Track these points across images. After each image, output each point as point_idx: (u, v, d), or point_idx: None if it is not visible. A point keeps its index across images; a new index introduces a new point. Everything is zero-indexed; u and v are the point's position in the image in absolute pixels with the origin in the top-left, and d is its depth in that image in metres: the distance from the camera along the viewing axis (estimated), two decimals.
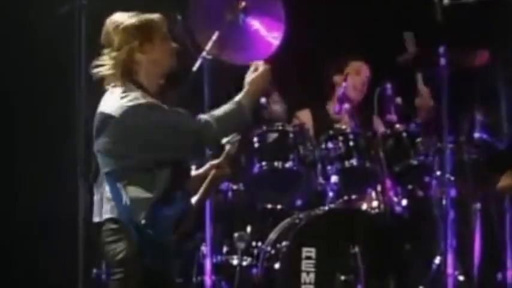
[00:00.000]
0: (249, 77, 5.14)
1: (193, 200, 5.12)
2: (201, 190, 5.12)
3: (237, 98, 5.04)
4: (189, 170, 5.18)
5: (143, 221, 4.83)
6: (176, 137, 4.94)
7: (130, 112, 4.86)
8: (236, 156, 5.37)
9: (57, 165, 7.26)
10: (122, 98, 4.91)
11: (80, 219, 6.45)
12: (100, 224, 4.96)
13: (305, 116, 7.52)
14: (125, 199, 4.86)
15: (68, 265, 6.71)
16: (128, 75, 5.02)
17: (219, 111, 5.01)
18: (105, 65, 5.01)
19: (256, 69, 5.17)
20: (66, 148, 6.61)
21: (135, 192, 4.81)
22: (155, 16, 5.04)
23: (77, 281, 6.49)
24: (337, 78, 7.47)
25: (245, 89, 5.08)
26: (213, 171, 5.17)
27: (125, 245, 4.88)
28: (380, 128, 7.27)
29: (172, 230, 4.91)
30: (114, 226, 4.89)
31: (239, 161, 6.92)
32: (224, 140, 5.22)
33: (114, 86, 4.97)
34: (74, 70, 6.37)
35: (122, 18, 5.05)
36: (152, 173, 4.87)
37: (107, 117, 4.91)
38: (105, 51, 5.05)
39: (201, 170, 5.23)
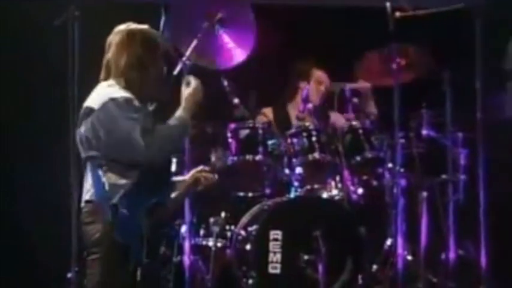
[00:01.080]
0: (184, 92, 5.10)
1: (173, 194, 5.13)
2: (182, 188, 5.17)
3: (178, 114, 4.98)
4: (168, 167, 5.13)
5: (117, 203, 4.82)
6: (117, 141, 4.86)
7: (105, 105, 4.85)
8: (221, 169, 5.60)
9: (52, 155, 7.07)
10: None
11: (72, 204, 6.23)
12: (81, 207, 4.98)
13: (268, 113, 7.53)
14: (104, 183, 4.83)
15: (61, 247, 6.44)
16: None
17: (165, 131, 4.94)
18: None
19: (188, 84, 5.12)
20: (60, 141, 6.41)
21: (113, 178, 4.79)
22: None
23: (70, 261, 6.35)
24: (302, 84, 7.52)
25: (182, 105, 5.03)
26: (195, 174, 5.22)
27: (101, 226, 4.86)
28: (339, 120, 7.31)
29: (145, 215, 4.88)
30: (91, 208, 4.88)
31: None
32: (212, 156, 5.45)
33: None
34: (68, 75, 6.29)
35: None
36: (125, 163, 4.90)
37: (88, 108, 4.91)
38: None
39: (189, 175, 5.28)
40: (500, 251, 6.90)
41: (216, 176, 5.44)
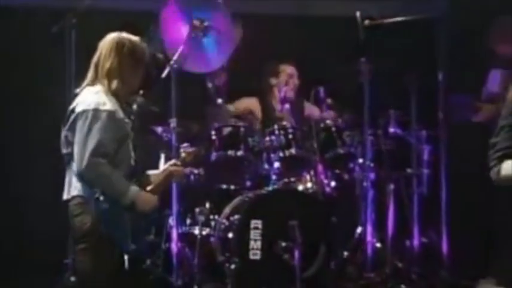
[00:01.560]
0: (155, 180, 5.03)
1: (149, 187, 5.11)
2: (156, 182, 5.12)
3: (133, 191, 4.85)
4: (140, 168, 5.12)
5: (101, 197, 4.84)
6: (77, 146, 4.85)
7: (87, 112, 4.87)
8: (190, 162, 5.34)
9: (50, 148, 6.89)
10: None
11: None
12: (68, 200, 4.96)
13: (253, 103, 7.52)
14: None
15: (59, 236, 6.54)
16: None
17: (111, 178, 4.83)
18: None
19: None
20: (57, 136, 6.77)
21: None
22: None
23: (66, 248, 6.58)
24: (273, 80, 7.49)
25: (142, 193, 4.91)
26: (167, 172, 5.18)
27: (88, 218, 4.87)
28: (314, 112, 7.32)
29: (125, 208, 4.90)
30: (79, 201, 4.88)
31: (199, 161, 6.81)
32: (181, 150, 5.24)
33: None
34: (65, 77, 6.39)
35: None
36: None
37: (73, 111, 4.94)
38: None
39: (160, 170, 5.24)
40: (460, 239, 7.04)
41: (187, 169, 5.54)
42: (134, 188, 4.90)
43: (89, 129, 4.86)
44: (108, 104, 4.91)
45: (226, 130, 6.99)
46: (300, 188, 6.97)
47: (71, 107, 5.01)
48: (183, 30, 6.74)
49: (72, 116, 4.95)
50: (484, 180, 6.37)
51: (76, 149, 4.89)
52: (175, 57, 6.56)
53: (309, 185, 6.98)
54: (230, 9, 7.01)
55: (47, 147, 6.86)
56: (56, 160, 5.85)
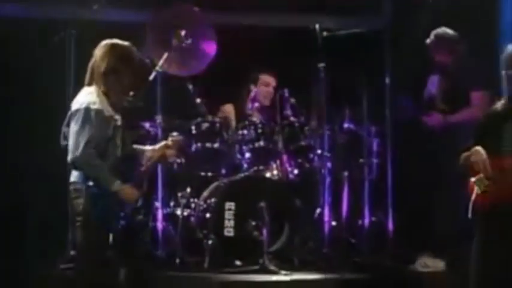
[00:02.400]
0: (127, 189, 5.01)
1: (144, 161, 5.19)
2: (151, 162, 5.20)
3: (116, 185, 4.90)
4: (132, 158, 5.16)
5: (90, 183, 4.95)
6: (73, 140, 4.93)
7: (80, 110, 4.94)
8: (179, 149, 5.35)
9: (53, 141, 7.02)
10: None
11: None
12: (69, 184, 5.07)
13: (229, 108, 7.50)
14: None
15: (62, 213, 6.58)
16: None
17: (99, 168, 4.90)
18: None
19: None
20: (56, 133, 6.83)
21: None
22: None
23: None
24: (252, 87, 7.52)
25: (124, 187, 4.94)
26: (162, 150, 5.23)
27: (81, 201, 4.97)
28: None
29: (113, 194, 4.96)
30: (75, 187, 4.99)
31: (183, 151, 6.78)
32: (170, 138, 5.26)
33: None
34: (65, 83, 6.47)
35: None
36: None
37: (71, 110, 5.03)
38: None
39: (156, 146, 5.28)
40: (403, 218, 7.17)
41: (175, 153, 5.35)
42: (118, 183, 4.96)
43: (82, 125, 4.93)
44: (98, 103, 4.96)
45: (205, 125, 7.03)
46: (268, 175, 7.03)
47: (71, 107, 5.07)
48: (168, 39, 6.84)
49: (68, 114, 5.04)
50: (423, 168, 6.81)
51: (70, 142, 4.97)
52: (160, 63, 6.67)
53: (275, 172, 7.06)
54: (208, 21, 7.03)
55: (51, 141, 6.97)
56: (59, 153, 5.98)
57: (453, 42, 6.80)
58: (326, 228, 6.97)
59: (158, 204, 6.81)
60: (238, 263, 6.60)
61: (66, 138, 5.07)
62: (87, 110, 4.94)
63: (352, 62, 7.34)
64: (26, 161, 7.28)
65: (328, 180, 7.08)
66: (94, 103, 4.97)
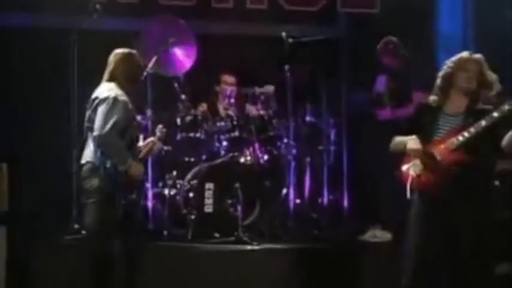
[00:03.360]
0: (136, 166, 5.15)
1: (140, 155, 5.32)
2: (141, 155, 5.33)
3: (127, 161, 5.05)
4: (135, 141, 5.31)
5: (108, 165, 5.10)
6: (101, 121, 5.05)
7: (107, 98, 5.11)
8: (162, 138, 5.47)
9: (60, 129, 6.90)
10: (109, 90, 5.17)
11: (73, 160, 6.49)
12: (81, 165, 5.19)
13: (204, 106, 7.45)
14: (99, 152, 5.12)
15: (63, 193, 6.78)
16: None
17: (119, 146, 5.05)
18: None
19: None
20: (65, 123, 6.70)
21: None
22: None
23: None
24: (217, 87, 7.52)
25: (135, 163, 5.11)
26: (150, 145, 5.39)
27: (95, 180, 5.09)
28: (252, 111, 7.29)
29: (123, 174, 5.10)
30: (90, 167, 5.12)
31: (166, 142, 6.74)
32: (157, 130, 5.41)
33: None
34: (69, 83, 6.49)
35: None
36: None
37: (96, 97, 5.18)
38: None
39: (145, 143, 5.41)
40: (357, 197, 7.24)
41: (161, 144, 5.54)
42: (131, 160, 5.12)
43: (110, 110, 5.08)
44: (123, 96, 5.19)
45: (188, 118, 7.07)
46: (242, 160, 7.01)
47: (94, 96, 5.21)
48: (156, 45, 6.87)
49: (96, 101, 5.16)
50: (372, 154, 6.81)
51: (98, 121, 5.08)
52: (150, 65, 6.70)
53: (248, 158, 7.04)
54: (191, 31, 7.06)
55: (57, 132, 6.98)
56: (63, 137, 6.10)
57: (398, 48, 6.88)
58: (291, 205, 7.00)
59: (148, 185, 6.81)
60: (216, 235, 6.65)
61: (90, 121, 5.19)
62: (115, 99, 5.13)
63: (313, 65, 7.39)
64: (34, 151, 7.24)
65: (293, 164, 7.09)
66: (121, 95, 5.17)
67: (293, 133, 7.15)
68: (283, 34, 7.04)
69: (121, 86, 5.28)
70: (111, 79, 5.32)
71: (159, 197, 6.95)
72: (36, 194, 6.97)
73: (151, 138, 5.49)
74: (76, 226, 6.54)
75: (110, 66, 5.34)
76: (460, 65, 4.95)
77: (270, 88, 7.33)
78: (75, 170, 6.50)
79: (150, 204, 6.83)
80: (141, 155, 5.35)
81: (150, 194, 6.86)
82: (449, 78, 4.95)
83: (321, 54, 7.39)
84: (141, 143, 5.44)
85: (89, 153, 5.19)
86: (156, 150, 5.63)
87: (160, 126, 5.52)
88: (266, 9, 7.85)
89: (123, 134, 5.17)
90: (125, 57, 5.33)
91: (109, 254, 5.14)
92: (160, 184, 7.09)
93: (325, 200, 7.31)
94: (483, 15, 7.56)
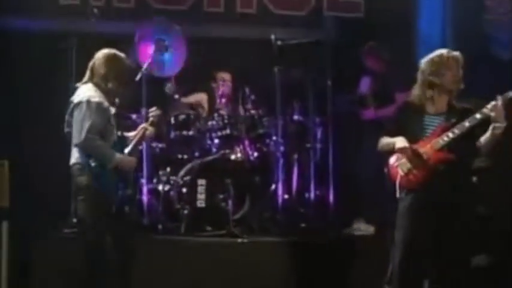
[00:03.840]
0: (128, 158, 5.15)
1: (127, 150, 5.24)
2: (133, 143, 5.28)
3: (113, 157, 5.03)
4: (124, 139, 5.28)
5: (93, 164, 5.10)
6: (78, 127, 5.04)
7: (82, 103, 5.07)
8: (158, 123, 5.43)
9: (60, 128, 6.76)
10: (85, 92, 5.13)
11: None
12: (71, 166, 5.18)
13: (202, 97, 7.44)
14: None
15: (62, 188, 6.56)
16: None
17: (101, 148, 5.02)
18: None
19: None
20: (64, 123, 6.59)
21: None
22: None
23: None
24: (213, 84, 7.51)
25: (123, 157, 5.11)
26: (142, 131, 5.32)
27: (83, 178, 5.10)
28: (241, 110, 7.31)
29: (113, 171, 5.10)
30: (78, 167, 5.13)
31: (161, 129, 6.78)
32: (150, 113, 5.33)
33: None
34: (68, 85, 6.30)
35: None
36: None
37: (72, 102, 5.17)
38: None
39: (135, 132, 5.35)
40: (342, 192, 7.21)
41: (153, 129, 5.38)
42: (118, 155, 5.12)
43: (84, 114, 5.05)
44: (97, 97, 5.10)
45: (181, 116, 7.08)
46: (233, 157, 7.02)
47: (71, 99, 5.21)
48: (151, 47, 6.88)
49: (71, 106, 5.16)
50: (356, 151, 6.87)
51: (75, 128, 5.08)
52: (145, 66, 6.70)
53: (239, 155, 7.06)
54: (184, 33, 7.05)
55: (56, 132, 6.68)
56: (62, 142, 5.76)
57: (381, 52, 6.93)
58: (279, 200, 7.00)
59: (143, 181, 6.81)
60: (208, 228, 6.67)
61: (69, 125, 5.20)
62: (88, 102, 5.08)
63: (301, 66, 7.39)
64: (34, 149, 7.22)
65: (281, 161, 7.11)
66: (94, 97, 5.11)
67: (281, 131, 7.16)
68: (272, 37, 7.05)
69: (98, 86, 5.21)
70: (89, 80, 5.27)
71: (153, 192, 6.94)
72: (36, 190, 6.95)
73: (142, 125, 5.44)
74: (74, 220, 6.47)
75: (90, 67, 5.29)
76: (443, 63, 4.92)
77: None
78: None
79: (145, 199, 6.82)
80: (133, 143, 5.30)
81: (145, 189, 6.84)
82: (432, 78, 4.93)
83: (308, 56, 7.40)
84: (131, 133, 5.41)
85: (75, 154, 5.19)
86: (149, 136, 5.53)
87: (153, 108, 5.47)
88: (255, 13, 7.89)
89: (102, 134, 5.14)
90: (107, 58, 5.26)
91: (102, 246, 5.15)
92: (154, 180, 7.07)
93: (312, 195, 7.32)
94: (461, 18, 7.59)
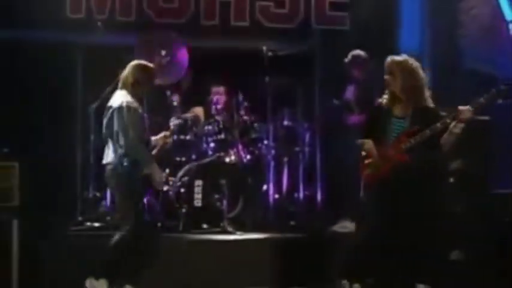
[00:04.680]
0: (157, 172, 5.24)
1: (154, 151, 5.43)
2: (157, 150, 5.45)
3: (152, 164, 5.14)
4: (150, 142, 5.41)
5: (125, 164, 5.22)
6: (124, 134, 5.11)
7: (121, 107, 5.17)
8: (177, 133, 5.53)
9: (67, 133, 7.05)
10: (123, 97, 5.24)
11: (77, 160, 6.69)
12: (104, 165, 5.32)
13: (199, 110, 7.45)
14: (118, 153, 5.23)
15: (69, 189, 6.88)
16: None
17: (144, 152, 5.11)
18: None
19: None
20: (70, 128, 6.84)
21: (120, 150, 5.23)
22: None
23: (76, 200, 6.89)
24: (208, 97, 7.48)
25: (154, 165, 5.19)
26: (164, 140, 5.52)
27: (117, 176, 5.24)
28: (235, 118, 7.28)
29: (140, 170, 5.23)
30: (111, 167, 5.25)
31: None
32: (170, 123, 5.39)
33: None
34: (77, 91, 6.54)
35: None
36: None
37: (110, 106, 5.26)
38: None
39: (158, 137, 5.51)
40: (329, 192, 7.37)
41: (171, 138, 5.53)
42: (154, 165, 5.24)
43: (128, 119, 5.12)
44: (133, 103, 5.23)
45: (180, 122, 7.01)
46: (227, 160, 7.03)
47: (108, 104, 5.29)
48: (152, 56, 6.79)
49: (111, 110, 5.24)
50: (342, 154, 6.79)
51: (120, 132, 5.14)
52: None
53: (233, 158, 7.07)
54: (182, 44, 7.09)
55: (63, 136, 7.03)
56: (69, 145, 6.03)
57: (364, 61, 6.92)
58: (271, 199, 7.08)
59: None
60: (204, 226, 6.69)
61: (107, 128, 5.25)
62: (128, 107, 5.18)
63: (290, 75, 7.45)
64: (42, 152, 7.17)
65: (272, 163, 7.16)
66: (132, 102, 5.22)
67: (272, 136, 7.20)
68: (264, 48, 7.09)
69: (131, 92, 5.31)
70: (123, 87, 5.37)
71: (153, 192, 6.81)
72: (45, 190, 6.96)
73: (162, 133, 5.48)
74: (80, 218, 6.63)
75: (123, 75, 5.38)
76: (387, 68, 5.01)
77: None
78: (79, 168, 6.72)
79: (145, 199, 6.43)
80: (155, 152, 5.37)
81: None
82: (389, 83, 5.00)
83: (297, 66, 7.41)
84: (155, 137, 5.48)
85: (110, 154, 5.29)
86: (167, 146, 5.60)
87: (173, 118, 5.59)
88: (248, 26, 7.90)
89: (142, 138, 5.23)
90: (135, 68, 5.36)
91: (129, 239, 5.22)
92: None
93: (301, 195, 7.35)
94: (438, 30, 7.61)
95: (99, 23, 6.85)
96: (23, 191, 5.93)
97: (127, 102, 5.24)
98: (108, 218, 6.64)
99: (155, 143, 5.50)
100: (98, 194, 6.99)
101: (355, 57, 6.94)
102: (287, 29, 7.87)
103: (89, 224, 6.65)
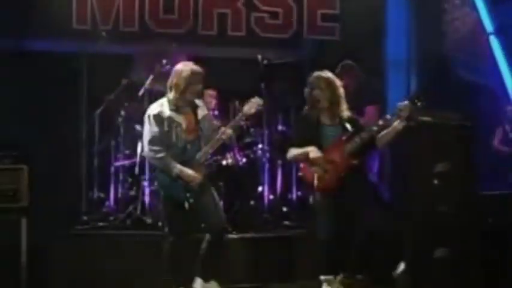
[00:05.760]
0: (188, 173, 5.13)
1: (198, 155, 5.27)
2: (203, 151, 5.30)
3: (178, 169, 5.04)
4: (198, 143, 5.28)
5: (158, 170, 5.26)
6: (142, 143, 5.15)
7: (148, 116, 5.15)
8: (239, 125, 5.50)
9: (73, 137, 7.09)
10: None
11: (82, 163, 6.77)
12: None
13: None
14: None
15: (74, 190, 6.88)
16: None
17: (168, 161, 5.03)
18: None
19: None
20: (77, 133, 6.88)
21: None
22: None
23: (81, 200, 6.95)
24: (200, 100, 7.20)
25: (185, 170, 5.10)
26: (223, 133, 5.38)
27: (157, 179, 5.36)
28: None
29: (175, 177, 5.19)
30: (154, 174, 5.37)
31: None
32: (231, 123, 5.28)
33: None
34: (82, 97, 6.56)
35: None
36: None
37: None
38: None
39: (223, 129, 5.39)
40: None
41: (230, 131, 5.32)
42: (177, 168, 5.06)
43: (146, 128, 5.12)
44: (157, 109, 5.07)
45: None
46: (224, 162, 6.98)
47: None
48: (153, 65, 6.83)
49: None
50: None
51: (142, 141, 5.30)
52: (147, 82, 6.73)
53: (230, 161, 7.01)
54: (182, 53, 6.90)
55: (69, 140, 7.04)
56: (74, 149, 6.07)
57: (354, 70, 6.90)
58: (265, 200, 7.05)
59: (146, 183, 6.83)
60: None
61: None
62: (148, 116, 5.15)
63: (284, 82, 7.38)
64: (50, 156, 7.16)
65: (267, 166, 7.13)
66: (153, 109, 5.12)
67: (267, 140, 7.18)
68: (259, 57, 7.07)
69: (172, 96, 5.22)
70: (169, 93, 5.31)
71: (155, 194, 6.85)
72: (52, 192, 6.96)
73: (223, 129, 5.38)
74: (85, 218, 6.64)
75: (171, 82, 5.31)
76: (318, 83, 5.21)
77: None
78: (84, 171, 6.76)
79: (147, 199, 6.83)
80: (203, 151, 5.27)
81: (147, 191, 6.85)
82: (318, 96, 5.17)
83: (290, 73, 7.39)
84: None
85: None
86: (227, 138, 5.44)
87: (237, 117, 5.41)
88: (244, 36, 7.93)
89: (164, 142, 5.12)
90: (188, 72, 5.27)
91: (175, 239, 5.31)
92: (155, 183, 6.59)
93: (294, 196, 7.35)
94: (423, 40, 7.61)
95: (103, 33, 6.88)
96: (31, 192, 5.96)
97: (150, 110, 5.18)
98: (111, 218, 6.66)
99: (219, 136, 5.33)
100: (102, 195, 7.00)
101: (344, 67, 6.91)
102: (281, 38, 7.91)
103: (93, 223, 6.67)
